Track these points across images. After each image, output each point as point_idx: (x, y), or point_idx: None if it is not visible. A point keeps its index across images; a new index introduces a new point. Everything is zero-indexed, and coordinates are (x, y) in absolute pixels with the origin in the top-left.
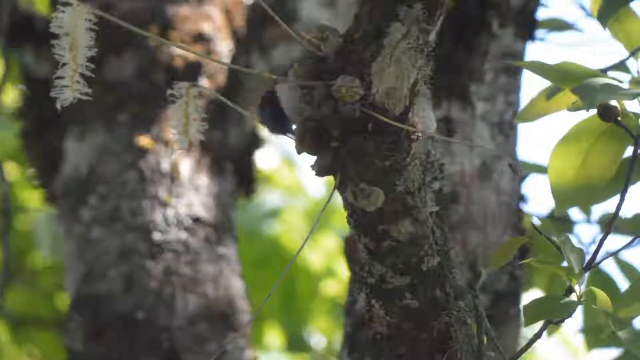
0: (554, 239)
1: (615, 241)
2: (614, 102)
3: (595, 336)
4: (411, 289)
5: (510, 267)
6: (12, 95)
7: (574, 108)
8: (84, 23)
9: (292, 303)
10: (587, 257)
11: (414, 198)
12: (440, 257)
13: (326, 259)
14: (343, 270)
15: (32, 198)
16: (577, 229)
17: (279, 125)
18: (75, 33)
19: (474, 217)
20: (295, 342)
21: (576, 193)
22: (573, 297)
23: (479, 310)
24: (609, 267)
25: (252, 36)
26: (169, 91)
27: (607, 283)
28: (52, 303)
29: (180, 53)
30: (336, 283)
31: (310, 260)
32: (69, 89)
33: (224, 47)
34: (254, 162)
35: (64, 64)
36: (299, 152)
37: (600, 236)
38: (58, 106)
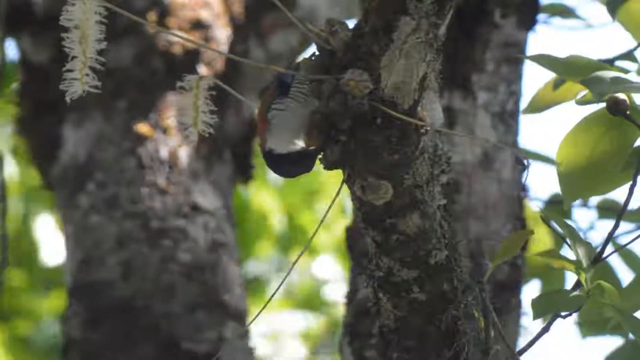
0: (558, 229)
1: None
2: (622, 96)
3: (592, 325)
4: (419, 282)
5: (511, 257)
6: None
7: (582, 101)
8: (94, 16)
9: (240, 238)
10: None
11: (422, 192)
12: (448, 250)
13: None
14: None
15: None
16: (575, 213)
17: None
18: (84, 26)
19: (475, 206)
20: None
21: (585, 184)
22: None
23: (486, 304)
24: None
25: (250, 23)
26: (179, 83)
27: (607, 273)
28: None
29: (179, 39)
30: (284, 219)
31: (260, 200)
32: (79, 81)
33: (222, 33)
34: (252, 148)
35: (73, 57)
36: (307, 146)
37: (596, 220)
38: (68, 99)
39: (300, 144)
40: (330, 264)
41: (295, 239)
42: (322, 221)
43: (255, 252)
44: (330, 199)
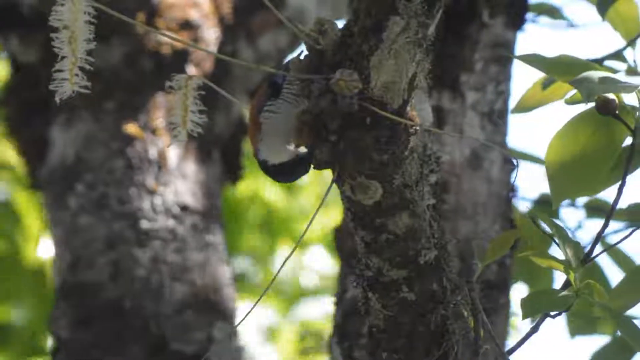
0: (547, 229)
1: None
2: (611, 96)
3: (580, 323)
4: (408, 282)
5: (500, 257)
6: None
7: (571, 101)
8: (83, 16)
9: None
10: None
11: (412, 191)
12: (438, 250)
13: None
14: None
15: None
16: (563, 213)
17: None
18: (74, 26)
19: (464, 206)
20: None
21: (574, 184)
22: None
23: (475, 303)
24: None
25: (239, 23)
26: (168, 83)
27: (596, 273)
28: None
29: (167, 40)
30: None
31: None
32: (68, 82)
33: (211, 34)
34: (241, 148)
35: (63, 57)
36: (297, 146)
37: (584, 220)
38: (57, 99)
39: (292, 148)
40: (317, 254)
41: (278, 228)
42: (311, 220)
43: (242, 241)
44: (309, 187)
